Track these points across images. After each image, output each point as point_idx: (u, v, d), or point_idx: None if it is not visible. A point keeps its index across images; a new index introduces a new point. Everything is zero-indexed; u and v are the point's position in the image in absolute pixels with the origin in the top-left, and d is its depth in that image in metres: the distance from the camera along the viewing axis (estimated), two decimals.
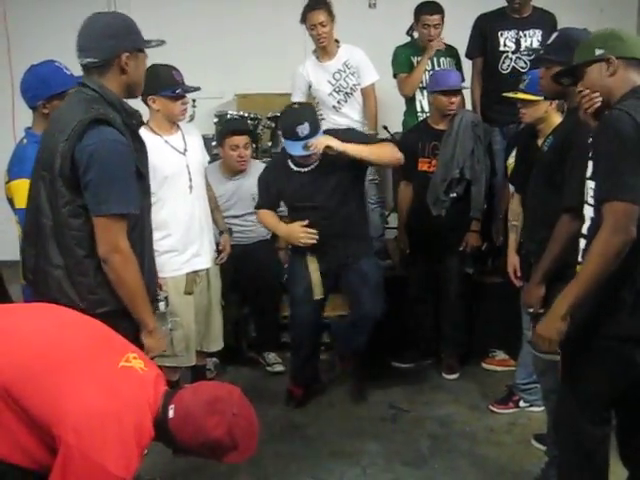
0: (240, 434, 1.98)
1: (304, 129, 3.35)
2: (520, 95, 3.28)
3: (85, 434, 1.77)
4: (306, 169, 3.54)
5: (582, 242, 2.29)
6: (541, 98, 3.16)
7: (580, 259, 2.28)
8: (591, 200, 2.23)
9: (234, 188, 4.15)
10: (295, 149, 3.42)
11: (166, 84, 3.23)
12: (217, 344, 3.67)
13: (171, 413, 1.94)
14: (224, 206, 3.98)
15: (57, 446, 1.79)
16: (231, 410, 1.96)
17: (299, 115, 3.43)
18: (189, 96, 3.41)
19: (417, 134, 4.20)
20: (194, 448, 1.98)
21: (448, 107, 4.04)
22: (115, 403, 1.85)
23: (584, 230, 2.29)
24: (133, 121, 2.40)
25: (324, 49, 4.49)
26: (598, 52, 2.23)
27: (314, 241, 3.50)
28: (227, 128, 4.28)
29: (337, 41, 4.52)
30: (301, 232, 3.51)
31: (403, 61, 4.58)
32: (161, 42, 2.47)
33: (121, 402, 1.86)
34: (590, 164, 2.22)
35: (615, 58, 2.21)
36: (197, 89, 3.33)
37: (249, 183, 4.06)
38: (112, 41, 2.31)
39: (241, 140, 4.07)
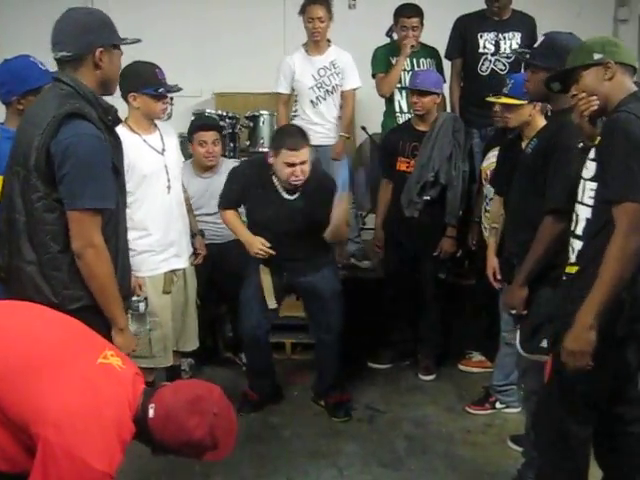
0: (221, 434, 1.96)
1: None
2: (504, 100, 3.29)
3: (66, 430, 1.75)
4: (291, 197, 3.49)
5: (576, 243, 2.30)
6: (525, 102, 3.17)
7: (573, 259, 2.29)
8: (588, 201, 2.24)
9: (205, 186, 4.10)
10: None
11: (148, 82, 3.19)
12: (192, 343, 3.64)
13: (151, 412, 1.92)
14: (196, 204, 3.94)
15: (35, 445, 1.76)
16: (212, 410, 1.95)
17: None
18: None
19: (399, 133, 4.21)
20: (174, 447, 1.96)
21: (413, 106, 4.06)
22: (95, 399, 1.83)
23: (579, 231, 2.29)
24: (109, 117, 2.38)
25: (316, 44, 4.51)
26: (597, 56, 2.25)
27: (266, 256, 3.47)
28: (195, 124, 4.23)
29: (329, 40, 4.54)
30: (259, 248, 3.45)
31: (381, 61, 4.59)
32: (136, 40, 2.45)
33: (101, 398, 1.84)
34: (591, 165, 2.23)
35: (614, 63, 2.23)
36: (179, 89, 3.29)
37: (220, 181, 4.02)
38: (86, 36, 2.30)
39: (209, 136, 4.02)
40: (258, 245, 3.47)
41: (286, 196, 3.49)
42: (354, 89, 4.58)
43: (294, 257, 3.49)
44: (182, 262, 3.43)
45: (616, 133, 2.13)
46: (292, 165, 3.34)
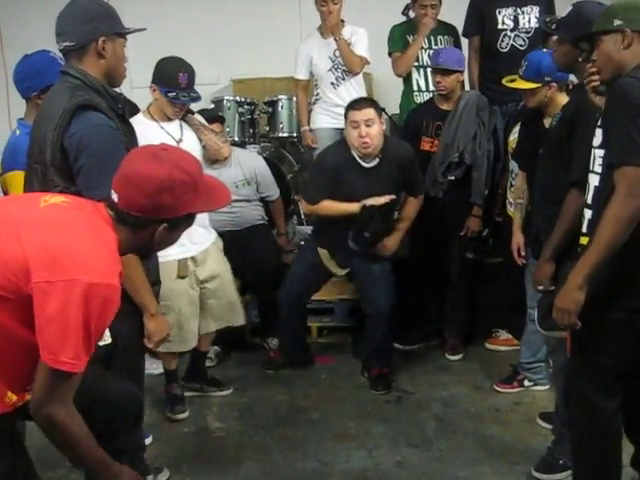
0: (190, 168, 1.80)
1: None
2: (518, 84, 3.25)
3: (55, 265, 1.63)
4: (369, 165, 3.64)
5: (587, 212, 2.28)
6: (539, 85, 3.14)
7: (584, 230, 2.27)
8: (598, 168, 2.23)
9: (216, 176, 4.09)
10: (353, 245, 3.68)
11: (166, 82, 3.19)
12: (238, 318, 3.70)
13: (115, 197, 1.77)
14: None
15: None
16: (168, 154, 1.80)
17: (368, 242, 3.65)
18: None
19: (422, 112, 4.17)
20: (152, 206, 1.75)
21: (436, 86, 4.04)
22: (64, 230, 1.70)
23: (588, 200, 2.28)
24: (119, 105, 2.38)
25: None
26: (617, 22, 2.20)
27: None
28: None
29: (343, 20, 4.50)
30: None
31: (398, 40, 4.53)
32: (140, 29, 2.44)
33: (68, 226, 1.73)
34: (598, 133, 2.21)
35: (631, 31, 2.18)
36: (196, 99, 3.27)
37: (230, 172, 4.03)
38: (89, 25, 2.29)
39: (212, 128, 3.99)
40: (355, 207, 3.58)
41: (364, 164, 3.62)
42: (360, 58, 4.46)
43: (368, 245, 3.65)
44: (197, 249, 3.43)
45: (618, 98, 2.11)
46: (357, 125, 3.51)
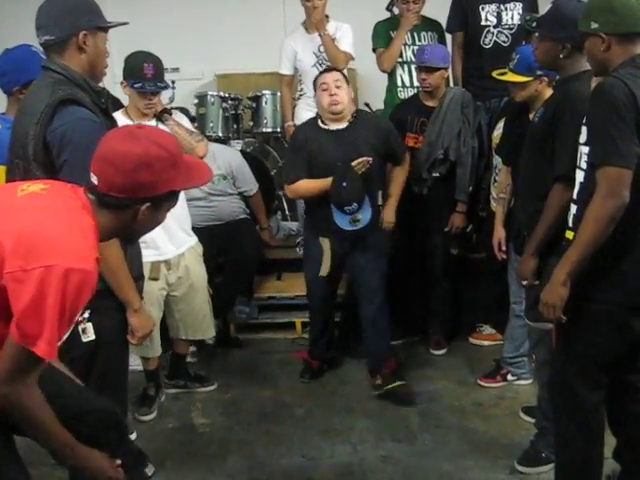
0: (168, 144, 1.77)
1: (353, 209, 3.49)
2: (509, 77, 3.25)
3: (29, 253, 1.61)
4: (339, 127, 3.61)
5: (573, 207, 2.32)
6: (530, 78, 3.15)
7: (570, 224, 2.30)
8: (584, 165, 2.26)
9: None
10: (343, 223, 3.55)
11: (132, 74, 3.19)
12: (203, 332, 3.67)
13: (94, 179, 1.74)
14: (187, 192, 3.95)
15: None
16: (145, 133, 1.78)
17: (349, 193, 3.48)
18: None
19: (407, 108, 4.16)
20: (132, 184, 1.72)
21: (421, 83, 4.04)
22: (39, 217, 1.68)
23: (574, 195, 2.31)
24: (102, 99, 2.36)
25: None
26: (593, 26, 2.22)
27: None
28: None
29: (327, 16, 4.49)
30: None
31: (381, 35, 4.53)
32: (122, 23, 2.42)
33: (44, 213, 1.70)
34: (584, 130, 2.24)
35: (606, 36, 2.20)
36: (163, 88, 3.25)
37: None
38: (70, 19, 2.27)
39: None
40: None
41: (332, 127, 3.60)
42: (345, 53, 4.45)
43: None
44: (172, 250, 3.42)
45: (599, 98, 2.15)
46: (327, 86, 3.56)
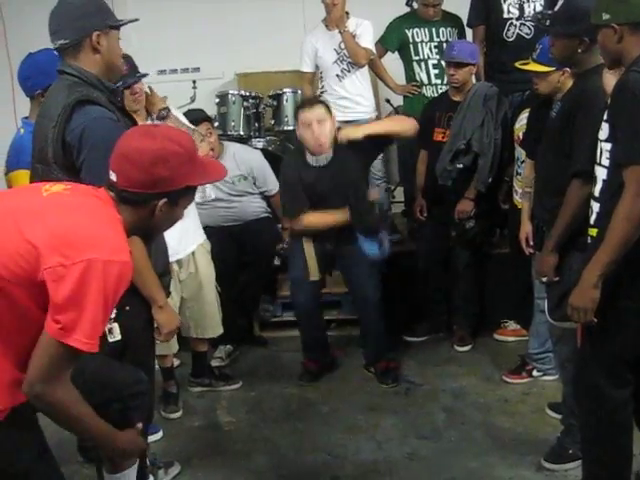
0: (183, 141, 1.82)
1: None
2: (531, 67, 3.22)
3: (67, 248, 1.64)
4: (321, 164, 3.59)
5: (594, 205, 2.28)
6: (553, 68, 3.11)
7: (592, 222, 2.27)
8: (605, 162, 2.23)
9: None
10: (372, 249, 3.58)
11: None
12: (212, 330, 3.66)
13: (113, 177, 1.79)
14: (206, 193, 3.98)
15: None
16: (160, 131, 1.85)
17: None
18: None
19: (436, 104, 4.24)
20: (150, 180, 1.77)
21: (449, 78, 4.07)
22: (70, 214, 1.73)
23: (596, 192, 2.28)
24: (118, 98, 2.38)
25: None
26: (605, 17, 2.19)
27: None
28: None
29: (347, 13, 4.48)
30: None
31: (393, 33, 4.59)
32: (134, 20, 2.44)
33: (74, 210, 1.75)
34: (605, 126, 2.20)
35: (618, 26, 2.16)
36: (141, 77, 3.22)
37: (227, 166, 4.01)
38: (82, 21, 2.28)
39: (201, 129, 3.90)
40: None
41: (321, 162, 3.59)
42: (365, 50, 4.45)
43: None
44: (185, 251, 3.43)
45: (624, 95, 2.10)
46: (309, 125, 3.48)
